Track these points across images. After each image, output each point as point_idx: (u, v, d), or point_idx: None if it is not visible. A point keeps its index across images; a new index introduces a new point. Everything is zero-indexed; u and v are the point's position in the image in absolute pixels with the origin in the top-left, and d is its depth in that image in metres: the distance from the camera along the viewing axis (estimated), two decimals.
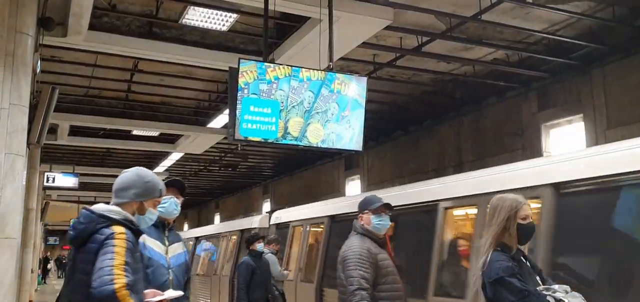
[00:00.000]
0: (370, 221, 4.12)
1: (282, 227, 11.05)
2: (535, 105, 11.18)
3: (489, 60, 10.21)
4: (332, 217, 8.88)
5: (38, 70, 7.33)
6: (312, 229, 9.58)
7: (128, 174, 2.99)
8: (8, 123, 5.14)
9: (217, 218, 30.92)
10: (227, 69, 6.06)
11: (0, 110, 5.12)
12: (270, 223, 11.80)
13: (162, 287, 3.34)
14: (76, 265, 2.75)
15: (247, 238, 7.38)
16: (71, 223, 2.87)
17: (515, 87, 11.40)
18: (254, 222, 13.02)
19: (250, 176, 23.74)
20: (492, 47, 9.55)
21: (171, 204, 3.73)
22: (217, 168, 21.17)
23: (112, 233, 2.68)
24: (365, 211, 4.16)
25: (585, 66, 9.93)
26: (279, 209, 12.64)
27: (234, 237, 14.26)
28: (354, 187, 17.60)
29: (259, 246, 7.21)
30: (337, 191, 18.19)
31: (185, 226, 36.61)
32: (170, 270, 3.57)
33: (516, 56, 10.08)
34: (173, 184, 3.82)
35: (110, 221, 2.75)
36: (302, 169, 20.91)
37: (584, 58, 9.78)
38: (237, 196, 28.52)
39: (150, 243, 3.53)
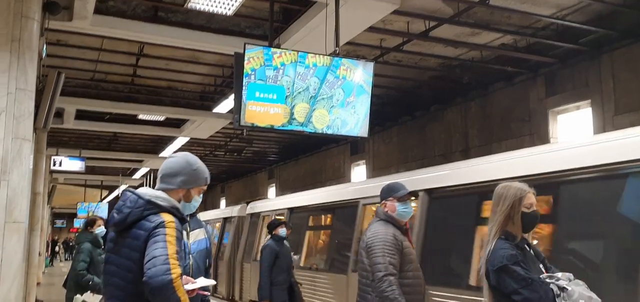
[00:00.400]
0: (395, 208, 4.12)
1: (255, 216, 13.02)
2: (542, 91, 11.10)
3: (497, 45, 10.13)
4: (291, 209, 11.00)
5: (44, 54, 7.33)
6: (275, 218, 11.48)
7: (176, 160, 2.93)
8: (15, 108, 5.14)
9: (222, 203, 31.04)
10: (232, 53, 6.03)
11: (7, 95, 5.12)
12: (247, 212, 13.53)
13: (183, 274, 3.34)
14: (119, 249, 2.73)
15: (269, 223, 7.42)
16: (116, 204, 2.83)
17: (522, 72, 11.32)
18: (234, 211, 14.46)
19: (255, 161, 23.76)
20: (500, 32, 9.47)
21: (194, 199, 3.66)
22: (222, 153, 21.20)
23: (163, 221, 2.66)
24: (390, 198, 4.16)
25: (593, 51, 9.84)
26: (258, 200, 14.44)
27: (218, 224, 15.89)
28: (359, 172, 17.60)
29: (281, 231, 7.22)
30: (342, 176, 18.19)
31: None
32: (190, 256, 3.54)
33: (524, 41, 9.99)
34: None
35: (158, 208, 2.72)
36: (307, 154, 20.90)
37: (592, 43, 9.68)
38: (242, 181, 28.58)
39: None
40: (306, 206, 10.72)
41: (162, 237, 2.60)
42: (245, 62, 5.68)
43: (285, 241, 7.64)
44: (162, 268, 2.51)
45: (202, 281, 2.92)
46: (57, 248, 36.08)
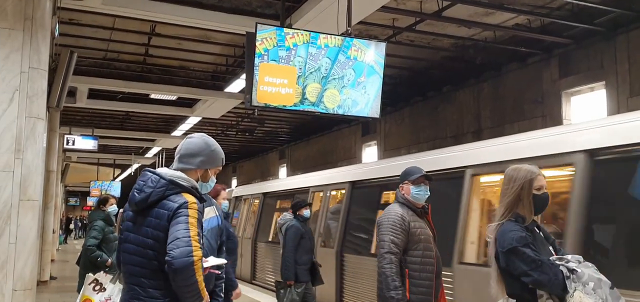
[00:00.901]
0: (410, 191, 4.24)
1: (240, 199, 15.16)
2: (556, 72, 10.99)
3: (511, 26, 10.02)
4: (265, 194, 13.29)
5: (57, 33, 7.35)
6: (254, 201, 14.05)
7: (195, 141, 2.98)
8: (28, 87, 5.17)
9: (234, 182, 31.18)
10: (244, 33, 6.02)
11: (20, 73, 5.15)
12: (233, 195, 15.48)
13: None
14: (138, 228, 2.78)
15: (294, 204, 7.45)
16: (135, 184, 2.87)
17: (536, 53, 11.20)
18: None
19: (267, 141, 23.81)
20: (514, 12, 9.37)
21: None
22: (234, 133, 21.25)
23: (186, 202, 2.73)
24: (405, 181, 4.27)
25: (609, 32, 9.71)
26: (243, 185, 16.56)
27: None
28: (370, 153, 17.58)
29: (306, 212, 7.27)
30: (353, 156, 18.19)
31: None
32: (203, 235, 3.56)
33: (538, 22, 9.87)
34: None
35: (180, 188, 2.79)
36: (318, 134, 20.90)
37: (608, 24, 9.55)
38: (254, 161, 28.67)
39: None
40: (277, 191, 12.40)
41: (184, 219, 2.67)
42: (258, 42, 5.69)
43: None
44: (186, 250, 2.59)
45: (212, 260, 2.96)
46: (71, 225, 36.46)
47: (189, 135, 3.06)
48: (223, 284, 3.82)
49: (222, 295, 3.80)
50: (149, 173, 2.85)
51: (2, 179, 5.00)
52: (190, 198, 2.76)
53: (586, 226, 4.93)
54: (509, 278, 2.90)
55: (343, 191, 9.52)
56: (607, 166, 4.99)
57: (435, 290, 4.15)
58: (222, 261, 3.20)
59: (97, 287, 5.20)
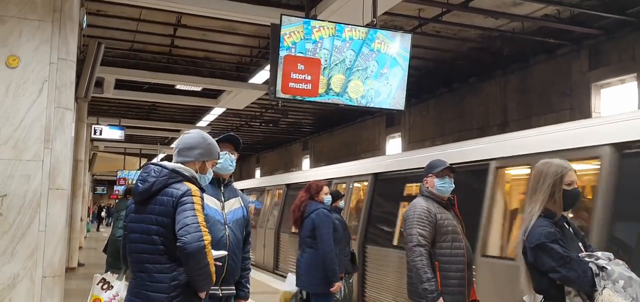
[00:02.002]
0: (434, 183, 4.24)
1: (264, 190, 15.23)
2: (586, 64, 10.77)
3: (539, 17, 9.84)
4: (288, 185, 13.40)
5: (84, 25, 7.45)
6: (277, 192, 14.05)
7: (192, 135, 3.14)
8: (57, 78, 5.26)
9: (257, 173, 31.34)
10: (268, 24, 6.03)
11: (49, 64, 5.23)
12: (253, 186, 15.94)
13: (219, 243, 3.44)
14: (142, 217, 2.90)
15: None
16: (139, 176, 3.03)
17: (565, 44, 10.99)
18: None
19: (290, 132, 23.86)
20: (543, 3, 9.19)
21: (226, 160, 3.68)
22: (258, 124, 21.33)
23: (189, 190, 2.85)
24: (430, 175, 4.27)
25: None
26: (266, 176, 15.69)
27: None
28: (394, 145, 17.49)
29: (341, 203, 7.31)
30: (377, 148, 18.12)
31: None
32: (226, 226, 3.58)
33: (568, 12, 9.67)
34: (229, 139, 3.78)
35: (182, 177, 2.92)
36: (342, 125, 20.86)
37: None
38: (277, 152, 28.77)
39: (207, 200, 3.51)
40: (301, 183, 11.85)
41: (190, 206, 2.79)
42: (286, 36, 5.76)
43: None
44: (197, 235, 2.72)
45: (214, 253, 3.03)
46: (103, 213, 37.04)
47: (186, 131, 3.23)
48: (249, 276, 3.85)
49: (249, 286, 3.83)
50: (151, 165, 2.99)
51: (31, 168, 5.10)
52: (192, 186, 2.88)
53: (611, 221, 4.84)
54: (537, 274, 2.86)
55: (366, 183, 9.49)
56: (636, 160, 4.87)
57: (468, 281, 4.13)
58: (223, 253, 3.30)
59: (105, 286, 5.32)
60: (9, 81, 5.10)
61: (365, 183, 9.54)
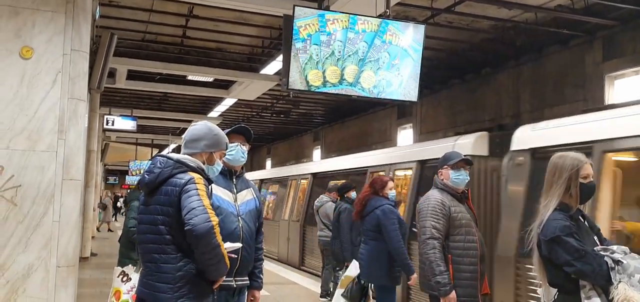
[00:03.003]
0: (449, 175, 4.22)
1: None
2: (599, 55, 10.66)
3: (553, 7, 9.73)
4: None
5: (97, 16, 7.47)
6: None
7: (199, 127, 3.15)
8: (70, 69, 5.29)
9: (268, 163, 31.39)
10: (280, 14, 6.03)
11: (63, 56, 5.26)
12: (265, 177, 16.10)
13: (233, 235, 3.44)
14: (149, 208, 2.94)
15: (341, 187, 7.52)
16: (146, 168, 3.07)
17: (579, 35, 10.87)
18: None
19: (301, 123, 23.85)
20: None
21: (238, 152, 3.67)
22: (269, 114, 21.35)
23: (192, 178, 2.88)
24: (445, 166, 4.26)
25: None
26: (277, 166, 15.47)
27: None
28: (406, 136, 17.44)
29: (353, 194, 7.39)
30: (388, 139, 18.07)
31: None
32: (239, 217, 3.59)
33: (582, 2, 9.56)
34: (240, 131, 3.77)
35: (187, 167, 2.94)
36: (353, 117, 20.82)
37: None
38: (288, 142, 28.79)
39: (219, 192, 3.54)
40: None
41: (194, 192, 2.81)
42: (302, 28, 5.80)
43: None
44: (203, 217, 2.74)
45: (229, 245, 3.04)
46: (118, 203, 37.22)
47: (193, 122, 3.24)
48: (262, 266, 3.86)
49: (262, 276, 3.84)
50: (158, 157, 3.03)
51: (45, 159, 5.14)
52: (196, 176, 2.90)
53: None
54: (552, 267, 2.84)
55: (409, 171, 8.90)
56: None
57: (480, 274, 4.13)
58: (237, 245, 3.29)
59: (125, 279, 5.40)
60: (23, 72, 5.14)
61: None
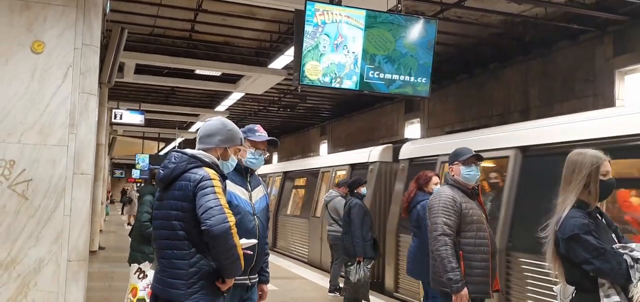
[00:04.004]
0: (460, 171, 4.20)
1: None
2: (610, 50, 10.58)
3: (563, 2, 9.67)
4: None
5: (108, 10, 7.47)
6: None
7: (213, 122, 3.16)
8: (81, 63, 5.28)
9: (275, 157, 31.40)
10: (292, 9, 6.00)
11: (74, 50, 5.25)
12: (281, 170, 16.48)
13: (250, 233, 3.45)
14: (164, 204, 2.93)
15: (351, 182, 7.54)
16: (162, 164, 3.07)
17: (589, 30, 10.79)
18: None
19: (308, 117, 23.83)
20: None
21: (261, 160, 3.71)
22: (276, 109, 21.33)
23: (207, 174, 2.86)
24: (455, 162, 4.24)
25: None
26: (284, 161, 16.29)
27: None
28: (413, 131, 17.40)
29: (363, 189, 7.41)
30: (395, 133, 18.03)
31: None
32: (255, 216, 3.59)
33: None
34: (273, 144, 3.82)
35: (201, 162, 2.94)
36: (360, 111, 20.78)
37: None
38: (295, 137, 28.79)
39: (236, 190, 3.54)
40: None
41: (211, 190, 2.79)
42: (319, 13, 5.72)
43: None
44: (221, 217, 2.73)
45: (245, 241, 3.05)
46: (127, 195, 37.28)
47: (207, 119, 3.25)
48: (268, 259, 3.87)
49: (269, 271, 3.85)
50: (173, 152, 3.04)
51: (57, 153, 5.14)
52: (211, 172, 2.88)
53: None
54: (569, 265, 2.83)
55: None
56: None
57: (492, 271, 4.11)
58: (253, 241, 3.29)
59: (141, 275, 5.41)
60: (34, 67, 5.13)
61: (342, 172, 9.85)
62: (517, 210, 6.24)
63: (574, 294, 2.84)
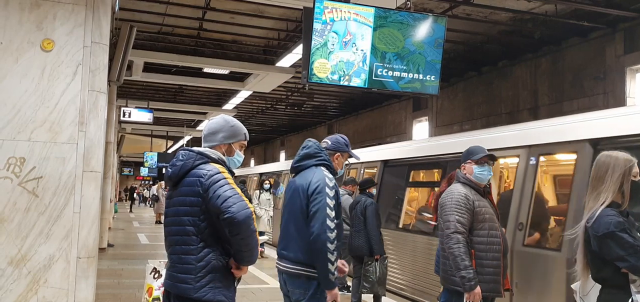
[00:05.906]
0: (472, 170, 4.19)
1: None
2: (621, 48, 10.50)
3: None
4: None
5: (117, 8, 7.48)
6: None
7: (216, 120, 3.21)
8: (90, 61, 5.29)
9: (282, 155, 31.43)
10: (301, 7, 5.99)
11: (83, 48, 5.27)
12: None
13: None
14: (173, 201, 2.98)
15: (363, 181, 7.59)
16: (170, 162, 3.11)
17: (600, 27, 10.71)
18: None
19: (315, 115, 23.83)
20: None
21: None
22: (283, 107, 21.35)
23: (216, 169, 2.92)
24: (468, 161, 4.22)
25: None
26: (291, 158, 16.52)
27: None
28: (421, 129, 17.35)
29: (373, 190, 7.51)
30: (403, 132, 17.99)
31: (252, 162, 37.51)
32: None
33: None
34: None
35: (208, 158, 2.99)
36: (368, 109, 20.74)
37: None
38: (302, 134, 28.79)
39: None
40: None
41: (224, 181, 2.85)
42: (328, 10, 5.71)
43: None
44: (242, 204, 2.78)
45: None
46: (135, 195, 37.49)
47: (211, 118, 3.23)
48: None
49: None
50: (181, 150, 3.07)
51: (66, 151, 5.16)
52: (218, 166, 2.94)
53: None
54: (600, 262, 2.90)
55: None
56: None
57: (503, 269, 4.09)
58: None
59: (156, 275, 5.41)
60: (43, 64, 5.15)
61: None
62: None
63: (600, 291, 2.91)
